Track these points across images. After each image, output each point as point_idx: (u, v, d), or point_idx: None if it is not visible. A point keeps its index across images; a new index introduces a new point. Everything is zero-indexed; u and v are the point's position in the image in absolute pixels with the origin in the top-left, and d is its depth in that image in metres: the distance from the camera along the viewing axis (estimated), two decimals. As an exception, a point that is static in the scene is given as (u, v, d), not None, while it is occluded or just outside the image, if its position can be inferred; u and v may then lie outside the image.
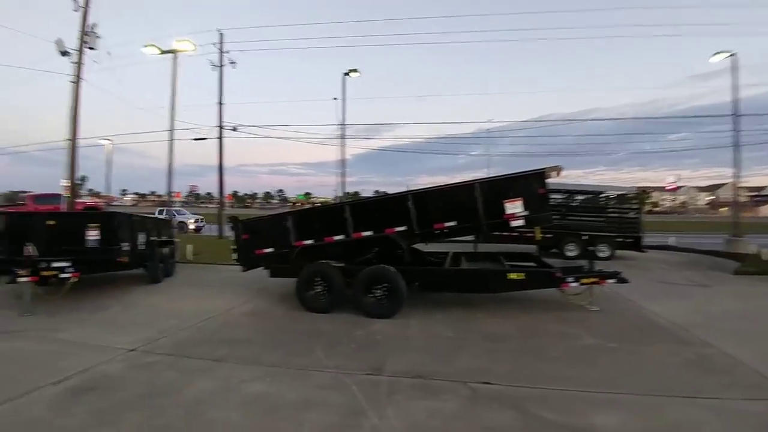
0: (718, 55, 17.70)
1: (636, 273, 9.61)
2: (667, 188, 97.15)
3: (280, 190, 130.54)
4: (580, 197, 13.66)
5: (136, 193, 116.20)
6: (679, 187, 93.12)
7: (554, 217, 13.03)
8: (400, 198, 6.15)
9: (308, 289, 6.15)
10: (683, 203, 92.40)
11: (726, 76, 16.81)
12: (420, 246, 6.80)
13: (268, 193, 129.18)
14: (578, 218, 12.81)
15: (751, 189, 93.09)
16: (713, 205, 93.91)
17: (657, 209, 79.44)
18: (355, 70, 20.67)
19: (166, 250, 8.97)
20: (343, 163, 18.97)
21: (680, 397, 3.32)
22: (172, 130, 14.35)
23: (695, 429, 2.89)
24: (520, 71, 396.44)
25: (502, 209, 5.53)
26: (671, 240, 16.57)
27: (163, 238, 9.23)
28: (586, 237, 12.54)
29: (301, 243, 6.51)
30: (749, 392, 3.39)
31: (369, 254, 6.35)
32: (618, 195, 13.67)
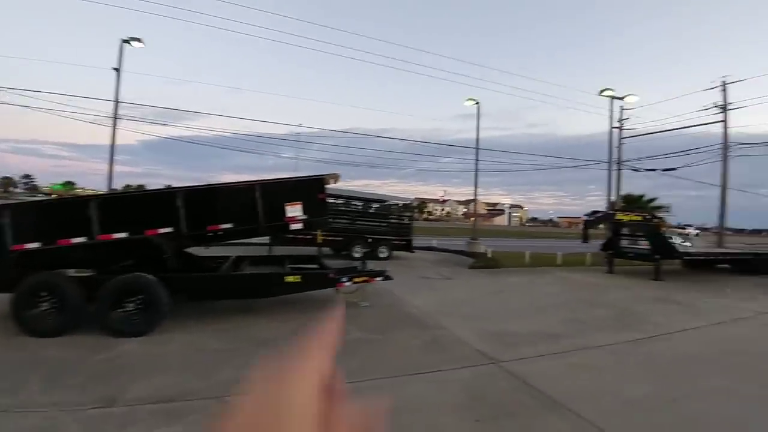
0: (469, 101, 22.80)
1: (404, 270, 11.22)
2: (438, 200, 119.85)
3: (27, 176, 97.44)
4: (367, 205, 15.25)
5: None
6: (446, 200, 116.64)
7: (345, 221, 14.40)
8: (167, 195, 5.40)
9: (30, 307, 4.68)
10: (448, 213, 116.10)
11: (485, 118, 21.79)
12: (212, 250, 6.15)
13: (7, 178, 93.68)
14: (365, 223, 14.25)
15: (489, 204, 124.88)
16: (467, 215, 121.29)
17: (430, 217, 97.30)
18: (138, 39, 17.36)
19: None
20: (112, 148, 15.53)
21: (417, 374, 3.98)
22: None
23: (422, 401, 3.48)
24: (332, 79, 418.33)
25: (283, 212, 5.54)
26: (434, 242, 20.35)
27: None
28: (371, 240, 14.06)
29: (23, 246, 4.94)
30: (461, 363, 4.34)
31: (128, 261, 5.31)
32: (397, 204, 15.87)
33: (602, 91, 26.24)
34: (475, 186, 19.56)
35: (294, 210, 5.53)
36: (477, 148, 20.38)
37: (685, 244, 16.77)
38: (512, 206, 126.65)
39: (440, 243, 20.49)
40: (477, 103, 22.35)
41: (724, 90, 24.80)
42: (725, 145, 23.78)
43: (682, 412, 3.39)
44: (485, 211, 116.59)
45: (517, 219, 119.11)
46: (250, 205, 5.43)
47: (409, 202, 15.83)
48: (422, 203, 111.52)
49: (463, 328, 5.59)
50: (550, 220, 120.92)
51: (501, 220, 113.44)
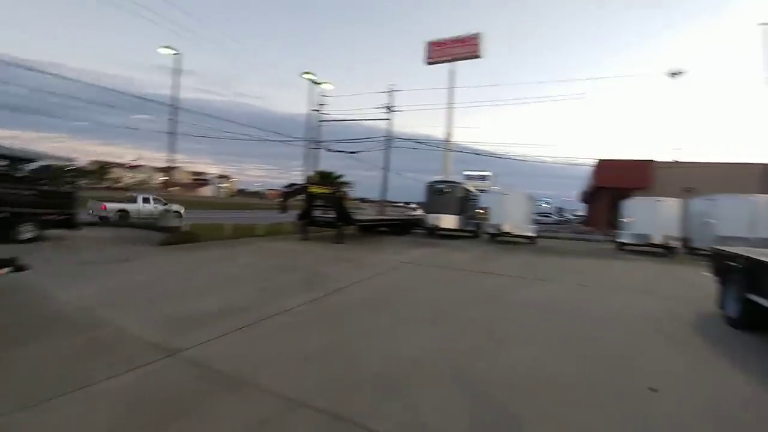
0: (165, 49, 19.44)
1: (61, 256, 8.44)
2: (128, 165, 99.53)
3: None
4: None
5: None
6: (139, 165, 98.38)
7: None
8: None
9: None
10: (143, 181, 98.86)
11: (191, 77, 18.79)
12: None
13: None
14: (-5, 190, 9.71)
15: (195, 173, 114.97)
16: (166, 184, 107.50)
17: (118, 185, 79.69)
18: None
19: None
20: None
21: (59, 398, 2.81)
22: None
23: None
24: None
25: None
26: (113, 216, 16.61)
27: None
28: (6, 215, 9.83)
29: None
30: (126, 365, 3.42)
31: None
32: (53, 165, 11.65)
33: (303, 74, 28.43)
34: (172, 149, 17.14)
35: None
36: (175, 107, 17.81)
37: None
38: (220, 177, 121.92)
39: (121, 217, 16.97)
40: (177, 53, 19.42)
41: (390, 95, 32.14)
42: (389, 137, 31.10)
43: (352, 353, 3.92)
44: (189, 181, 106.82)
45: (225, 190, 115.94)
46: None
47: (71, 163, 11.94)
48: (104, 167, 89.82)
49: (134, 320, 4.56)
50: (258, 192, 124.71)
51: (207, 191, 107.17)
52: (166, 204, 19.42)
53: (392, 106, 31.25)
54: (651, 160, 28.71)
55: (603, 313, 6.10)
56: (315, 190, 14.93)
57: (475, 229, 21.71)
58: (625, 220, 18.18)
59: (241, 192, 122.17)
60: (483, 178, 66.32)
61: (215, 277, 7.35)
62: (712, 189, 18.46)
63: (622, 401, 3.21)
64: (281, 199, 16.16)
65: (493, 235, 18.92)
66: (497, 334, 4.80)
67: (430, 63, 36.83)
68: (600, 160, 30.96)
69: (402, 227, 21.21)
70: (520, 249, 16.06)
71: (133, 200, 18.98)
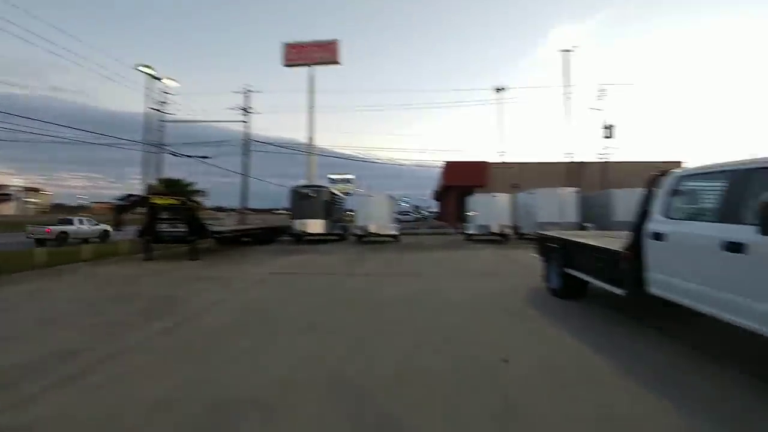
0: None
1: None
2: None
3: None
4: None
5: None
6: None
7: None
8: None
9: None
10: None
11: None
12: None
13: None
14: None
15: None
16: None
17: None
18: None
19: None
20: None
21: None
22: None
23: None
24: None
25: None
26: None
27: None
28: None
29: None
30: None
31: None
32: None
33: (139, 66, 24.53)
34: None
35: None
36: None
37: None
38: (27, 190, 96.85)
39: None
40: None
41: (247, 97, 30.12)
42: (247, 141, 29.14)
43: (213, 385, 3.32)
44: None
45: (34, 206, 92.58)
46: None
47: None
48: None
49: None
50: (82, 206, 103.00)
51: (8, 208, 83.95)
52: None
53: (249, 108, 29.48)
54: (486, 162, 33.56)
55: (459, 299, 6.70)
56: (159, 201, 12.92)
57: (342, 232, 21.97)
58: (469, 214, 20.74)
59: (59, 207, 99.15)
60: (347, 181, 67.99)
61: (28, 320, 5.62)
62: (533, 184, 22.52)
63: (484, 375, 3.50)
64: (116, 214, 13.58)
65: (360, 237, 19.42)
66: (368, 334, 4.78)
67: (288, 65, 35.99)
68: (447, 162, 34.84)
69: (267, 236, 20.10)
70: (385, 247, 16.82)
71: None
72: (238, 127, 29.40)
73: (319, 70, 35.42)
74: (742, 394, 3.10)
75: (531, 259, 8.66)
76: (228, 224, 29.18)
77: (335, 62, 35.40)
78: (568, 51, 28.98)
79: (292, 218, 20.04)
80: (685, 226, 3.99)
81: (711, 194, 3.90)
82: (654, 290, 4.31)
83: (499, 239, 19.16)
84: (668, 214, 4.28)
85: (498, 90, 39.37)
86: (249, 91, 29.58)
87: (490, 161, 33.74)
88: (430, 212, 67.49)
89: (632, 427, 2.67)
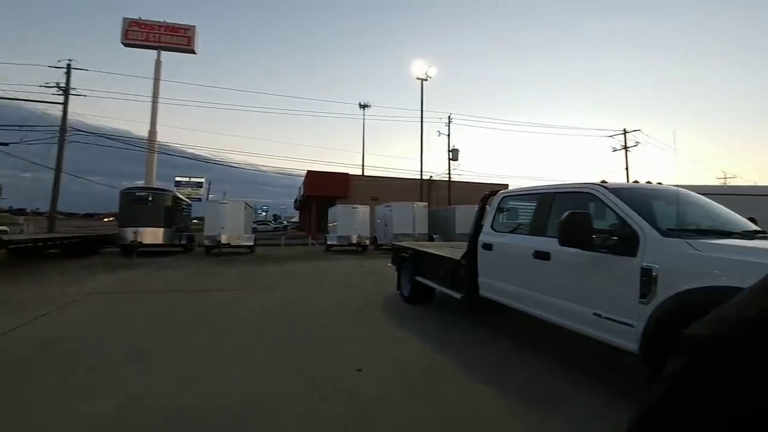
0: None
1: None
2: None
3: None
4: None
5: None
6: None
7: None
8: None
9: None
10: None
11: None
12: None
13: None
14: None
15: None
16: None
17: None
18: None
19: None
20: None
21: None
22: None
23: None
24: None
25: None
26: None
27: None
28: None
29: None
30: None
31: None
32: None
33: None
34: None
35: None
36: None
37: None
38: None
39: None
40: None
41: (68, 73, 24.47)
42: (63, 128, 23.55)
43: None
44: None
45: None
46: None
47: None
48: None
49: None
50: None
51: None
52: None
53: (71, 88, 23.96)
54: (348, 174, 34.55)
55: (315, 311, 6.55)
56: None
57: (188, 242, 19.61)
58: (330, 224, 20.94)
59: None
60: (198, 185, 61.74)
61: None
62: (390, 198, 24.02)
63: (342, 386, 3.42)
64: None
65: (210, 248, 17.60)
66: (215, 358, 4.23)
67: (128, 44, 30.92)
68: (309, 171, 34.61)
69: (87, 246, 16.55)
70: (239, 260, 15.60)
71: None
72: (56, 111, 23.63)
73: (173, 58, 31.46)
74: (553, 378, 3.73)
75: (387, 268, 9.11)
76: (29, 231, 23.20)
77: (190, 50, 31.96)
78: (423, 80, 32.18)
79: (121, 225, 16.94)
80: (507, 238, 4.69)
81: (526, 212, 4.68)
82: (484, 293, 4.92)
83: (358, 250, 19.78)
84: (495, 228, 4.97)
85: (363, 106, 41.32)
86: (70, 66, 24.11)
87: (352, 174, 34.89)
88: (291, 222, 65.96)
89: (466, 414, 2.92)
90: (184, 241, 19.07)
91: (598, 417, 2.96)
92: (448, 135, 30.23)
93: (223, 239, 17.53)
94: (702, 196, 3.99)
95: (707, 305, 2.48)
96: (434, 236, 18.61)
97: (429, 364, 4.11)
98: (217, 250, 17.61)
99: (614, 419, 2.91)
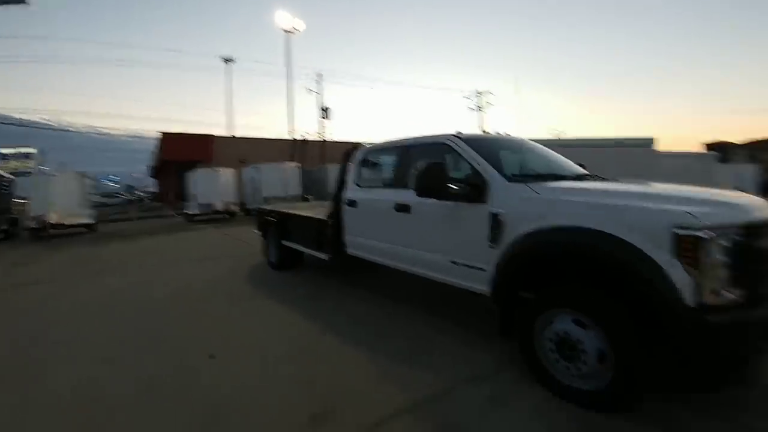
0: None
1: None
2: None
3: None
4: None
5: None
6: None
7: None
8: None
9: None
10: None
11: None
12: None
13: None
14: None
15: None
16: None
17: None
18: None
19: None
20: None
21: None
22: None
23: None
24: None
25: None
26: None
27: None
28: None
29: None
30: None
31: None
32: None
33: None
34: None
35: None
36: None
37: None
38: None
39: None
40: None
41: None
42: None
43: None
44: None
45: None
46: None
47: None
48: None
49: None
50: None
51: None
52: None
53: None
54: (211, 135, 30.82)
55: (170, 292, 5.60)
56: None
57: (9, 226, 15.25)
58: (190, 192, 18.57)
59: None
60: (26, 156, 49.47)
61: None
62: (260, 159, 22.21)
63: (190, 377, 2.92)
64: None
65: (35, 230, 13.99)
66: (33, 359, 3.23)
67: None
68: (164, 133, 29.83)
69: None
70: (75, 242, 12.74)
71: None
72: None
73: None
74: (414, 326, 3.76)
75: (255, 235, 8.33)
76: None
77: (20, 0, 23.46)
78: (290, 32, 29.71)
79: None
80: (370, 193, 4.50)
81: (387, 165, 4.52)
82: (351, 251, 4.73)
83: (224, 217, 18.05)
84: (359, 183, 4.73)
85: (226, 61, 36.60)
86: None
87: (216, 135, 31.26)
88: (147, 192, 57.19)
89: (337, 384, 2.69)
90: (5, 226, 14.72)
91: (462, 361, 3.06)
92: (318, 93, 29.07)
93: (53, 219, 14.04)
94: (542, 146, 4.33)
95: (547, 245, 2.60)
96: (308, 197, 18.02)
97: (296, 335, 3.78)
98: (45, 233, 14.05)
99: (473, 360, 3.04)
